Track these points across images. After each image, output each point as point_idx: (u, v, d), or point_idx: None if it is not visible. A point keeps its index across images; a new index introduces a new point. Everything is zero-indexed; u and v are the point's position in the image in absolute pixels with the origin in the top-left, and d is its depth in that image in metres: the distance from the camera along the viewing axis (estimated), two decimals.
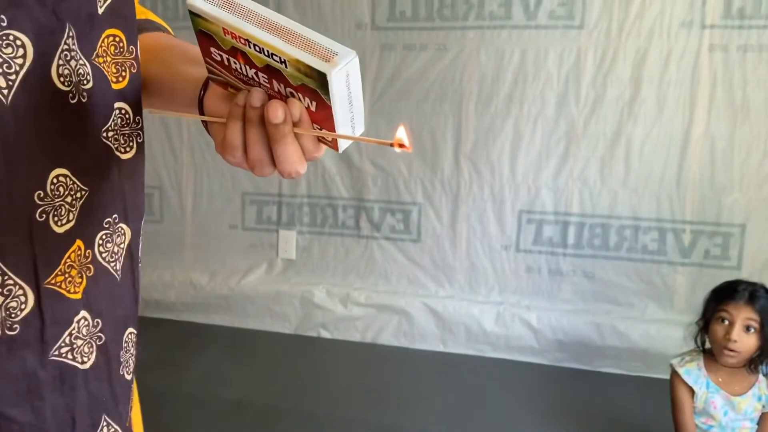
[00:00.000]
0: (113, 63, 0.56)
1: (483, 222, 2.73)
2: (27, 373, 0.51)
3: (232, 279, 3.03)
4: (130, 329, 0.61)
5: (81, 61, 0.51)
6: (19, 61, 0.46)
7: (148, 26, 0.67)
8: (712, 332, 1.68)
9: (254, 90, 0.48)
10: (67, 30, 0.49)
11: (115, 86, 0.56)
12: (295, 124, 0.48)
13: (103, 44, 0.54)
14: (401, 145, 0.48)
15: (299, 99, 0.48)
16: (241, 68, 0.49)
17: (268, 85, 0.49)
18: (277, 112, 0.46)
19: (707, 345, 1.74)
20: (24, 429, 0.51)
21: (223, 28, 0.47)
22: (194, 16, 0.48)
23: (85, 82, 0.52)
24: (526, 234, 2.70)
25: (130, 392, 0.62)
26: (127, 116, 0.58)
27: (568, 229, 2.64)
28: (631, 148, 2.52)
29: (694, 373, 1.71)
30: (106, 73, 0.55)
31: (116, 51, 0.56)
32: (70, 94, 0.50)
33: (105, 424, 0.57)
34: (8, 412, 0.50)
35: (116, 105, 0.56)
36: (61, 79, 0.49)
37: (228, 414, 2.25)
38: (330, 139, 0.49)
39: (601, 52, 2.49)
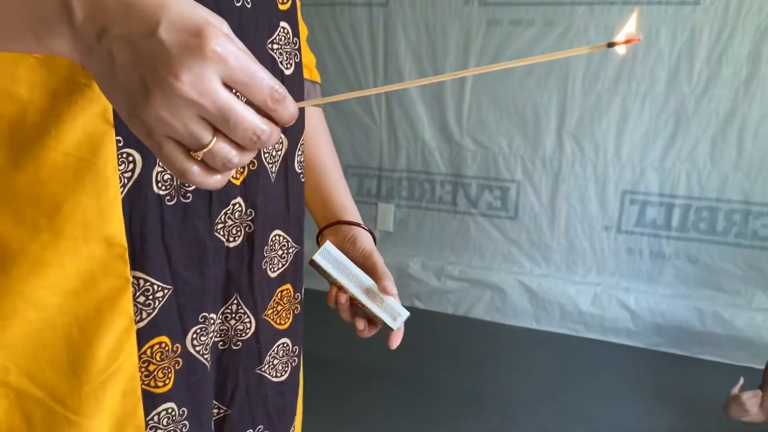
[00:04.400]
0: None
1: (584, 201, 2.71)
2: (198, 241, 0.59)
3: None
4: (278, 231, 0.68)
5: None
6: None
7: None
8: None
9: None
10: None
11: (281, 7, 0.64)
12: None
13: None
14: (628, 41, 0.41)
15: None
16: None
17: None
18: (363, 333, 0.74)
19: None
20: (193, 291, 0.59)
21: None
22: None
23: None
24: (628, 215, 2.65)
25: (273, 289, 0.69)
26: (288, 35, 0.65)
27: (672, 211, 2.57)
28: (745, 130, 2.42)
29: None
30: None
31: None
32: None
33: (236, 302, 0.65)
34: (183, 273, 0.58)
35: (281, 24, 0.64)
36: None
37: (323, 369, 2.36)
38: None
39: (718, 28, 2.40)
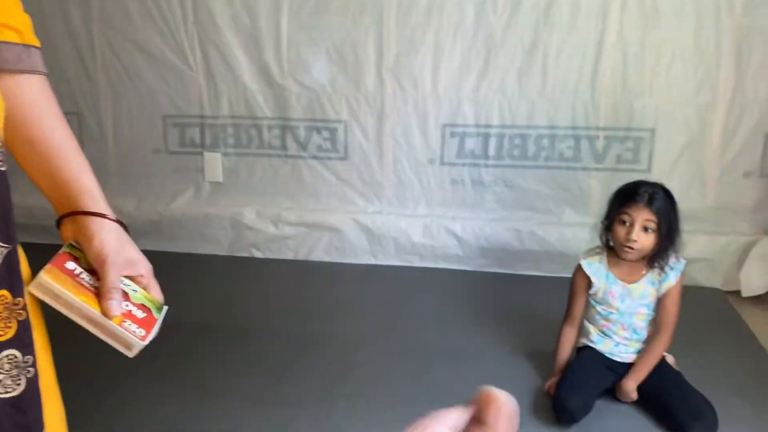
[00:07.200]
0: None
1: (408, 137, 2.76)
2: None
3: (159, 204, 3.00)
4: None
5: None
6: None
7: (10, 58, 0.70)
8: (614, 232, 1.79)
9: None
10: None
11: None
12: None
13: None
14: None
15: None
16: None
17: None
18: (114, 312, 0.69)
19: (611, 243, 1.85)
20: None
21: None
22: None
23: None
24: (449, 147, 2.75)
25: None
26: None
27: (489, 140, 2.70)
28: (547, 58, 2.56)
29: (594, 265, 1.84)
30: None
31: None
32: None
33: None
34: None
35: None
36: None
37: (163, 332, 2.28)
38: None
39: None
